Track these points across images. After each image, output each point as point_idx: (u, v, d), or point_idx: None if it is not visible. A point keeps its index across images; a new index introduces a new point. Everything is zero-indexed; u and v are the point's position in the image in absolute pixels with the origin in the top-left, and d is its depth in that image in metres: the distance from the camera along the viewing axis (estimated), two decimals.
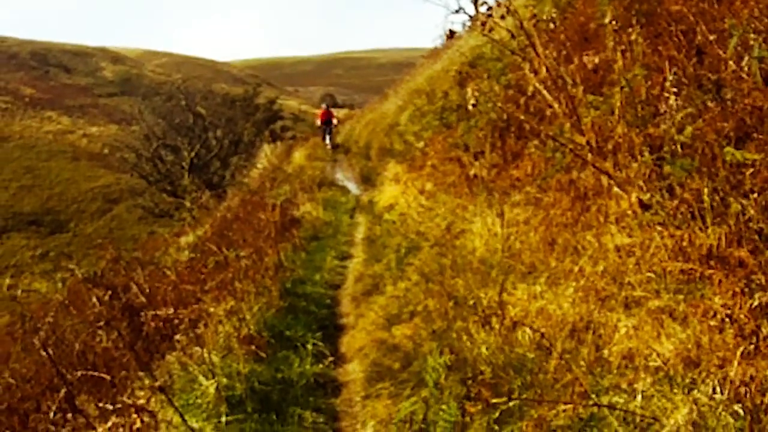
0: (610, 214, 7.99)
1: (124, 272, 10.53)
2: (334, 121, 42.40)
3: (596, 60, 9.69)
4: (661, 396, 5.43)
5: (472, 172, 12.73)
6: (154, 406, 7.36)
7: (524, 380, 6.50)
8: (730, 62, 7.23)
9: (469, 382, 6.42)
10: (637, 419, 5.33)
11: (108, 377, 7.45)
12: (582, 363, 6.21)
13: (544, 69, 9.07)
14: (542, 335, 6.37)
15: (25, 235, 53.40)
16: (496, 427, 6.05)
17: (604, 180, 8.16)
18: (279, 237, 14.53)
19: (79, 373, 6.33)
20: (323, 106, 43.46)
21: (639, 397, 5.47)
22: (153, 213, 49.25)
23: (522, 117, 11.16)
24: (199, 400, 7.83)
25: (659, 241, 6.77)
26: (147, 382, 7.87)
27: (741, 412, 4.85)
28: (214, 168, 46.91)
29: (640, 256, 7.03)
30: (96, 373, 6.92)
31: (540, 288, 7.85)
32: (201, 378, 8.09)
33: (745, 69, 7.00)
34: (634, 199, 7.38)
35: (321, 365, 9.49)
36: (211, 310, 9.94)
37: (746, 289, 5.57)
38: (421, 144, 19.00)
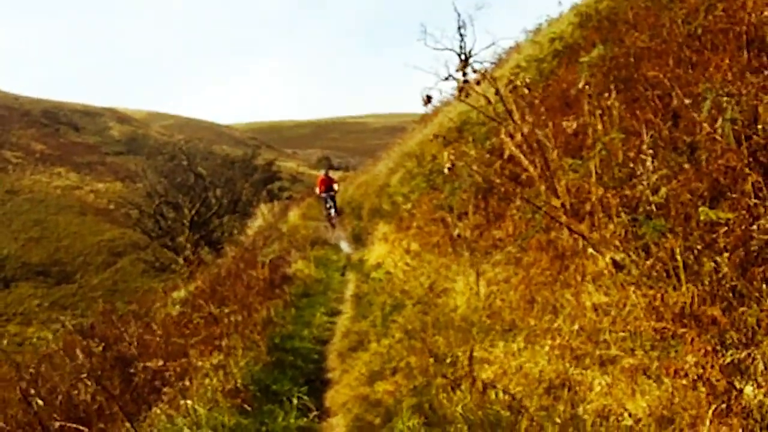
0: (588, 273, 7.90)
1: (118, 324, 10.27)
2: (335, 187, 34.19)
3: (574, 125, 9.60)
4: None
5: (455, 233, 12.60)
6: None
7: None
8: (705, 125, 7.21)
9: None
10: None
11: (86, 430, 7.28)
12: (557, 420, 6.04)
13: (519, 134, 8.96)
14: (513, 397, 6.22)
15: (33, 285, 53.11)
16: None
17: (581, 241, 8.02)
18: (270, 293, 14.35)
19: (57, 424, 6.10)
20: (321, 172, 35.89)
21: None
22: (154, 267, 49.12)
23: (498, 181, 11.09)
24: None
25: (634, 300, 6.67)
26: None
27: None
28: (213, 225, 46.85)
29: (615, 314, 6.94)
30: (74, 425, 6.74)
31: (518, 346, 7.74)
32: (186, 430, 7.88)
33: (719, 131, 6.94)
34: (608, 259, 7.26)
35: (305, 419, 9.26)
36: (199, 363, 9.73)
37: (719, 347, 5.42)
38: (408, 205, 18.97)
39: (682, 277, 6.23)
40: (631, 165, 8.04)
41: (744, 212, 6.27)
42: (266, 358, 10.95)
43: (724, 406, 5.08)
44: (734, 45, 8.56)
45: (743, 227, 6.17)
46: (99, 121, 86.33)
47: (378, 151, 52.54)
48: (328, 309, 15.58)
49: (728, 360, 5.31)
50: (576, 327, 7.16)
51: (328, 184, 33.62)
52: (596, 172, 8.19)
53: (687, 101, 7.71)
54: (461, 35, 43.59)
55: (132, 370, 9.56)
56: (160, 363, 9.49)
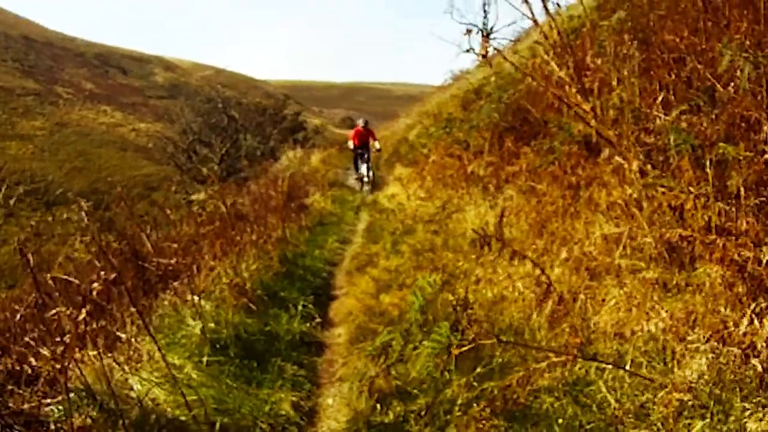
0: (601, 203, 7.09)
1: (138, 223, 9.58)
2: (376, 144, 25.14)
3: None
4: (651, 366, 4.53)
5: (470, 169, 11.83)
6: (140, 340, 6.50)
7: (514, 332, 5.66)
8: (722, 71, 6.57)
9: (459, 308, 5.35)
10: (626, 386, 4.42)
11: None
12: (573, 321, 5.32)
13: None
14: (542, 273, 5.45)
15: (73, 210, 52.75)
16: (476, 384, 5.15)
17: (605, 151, 7.28)
18: (286, 216, 13.61)
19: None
20: (359, 123, 25.68)
21: (628, 365, 4.56)
22: (184, 199, 48.64)
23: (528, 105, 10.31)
24: (184, 340, 6.98)
25: (660, 199, 5.84)
26: (135, 317, 6.91)
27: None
28: (242, 165, 46.15)
29: (626, 243, 6.13)
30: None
31: (529, 265, 6.92)
32: (188, 319, 7.22)
33: (737, 83, 6.30)
34: (634, 166, 6.41)
35: (308, 324, 8.63)
36: (211, 263, 9.01)
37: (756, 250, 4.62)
38: (425, 150, 18.26)
39: (710, 189, 5.44)
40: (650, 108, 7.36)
41: (760, 155, 5.56)
42: (277, 267, 10.38)
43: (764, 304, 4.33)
44: (751, 17, 7.87)
45: (762, 164, 5.45)
46: (146, 67, 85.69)
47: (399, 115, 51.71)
48: (340, 237, 14.95)
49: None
50: (588, 250, 6.41)
51: (365, 138, 24.38)
52: (619, 106, 7.44)
53: (700, 67, 7.20)
54: (485, 12, 43.10)
55: (145, 265, 8.86)
56: (173, 261, 8.79)
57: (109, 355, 5.90)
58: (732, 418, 3.91)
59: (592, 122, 7.11)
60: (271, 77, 70.63)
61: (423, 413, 5.49)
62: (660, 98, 7.28)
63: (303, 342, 8.27)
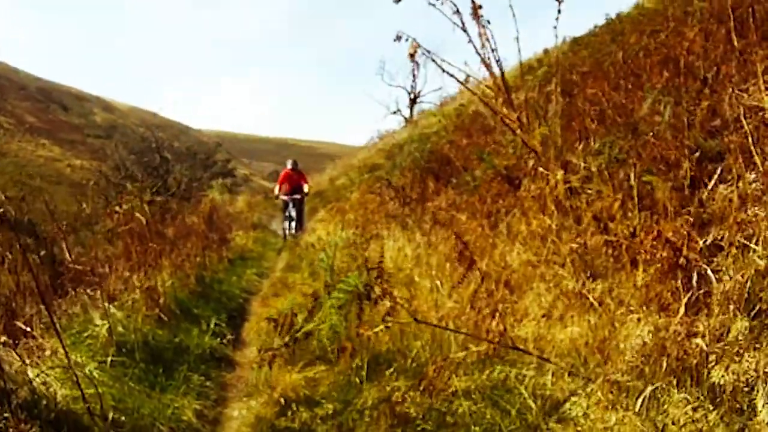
0: (521, 231, 6.83)
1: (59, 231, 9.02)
2: (305, 188, 20.65)
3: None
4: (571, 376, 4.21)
5: (390, 206, 11.53)
6: (46, 337, 5.99)
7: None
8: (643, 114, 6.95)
9: (372, 272, 4.92)
10: (546, 392, 4.08)
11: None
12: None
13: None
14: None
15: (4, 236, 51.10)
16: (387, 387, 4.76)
17: (529, 163, 7.08)
18: (207, 244, 13.11)
19: None
20: (287, 164, 21.18)
21: (549, 375, 4.23)
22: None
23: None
24: (90, 340, 6.47)
25: (569, 237, 5.61)
26: (44, 315, 6.40)
27: None
28: (170, 204, 45.38)
29: (543, 271, 5.86)
30: None
31: (445, 293, 6.57)
32: (96, 319, 6.68)
33: (659, 123, 6.56)
34: (559, 175, 6.17)
35: (220, 341, 8.18)
36: (126, 274, 8.49)
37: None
38: (348, 193, 18.08)
39: (635, 196, 5.24)
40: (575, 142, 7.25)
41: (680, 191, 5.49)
42: (193, 286, 9.96)
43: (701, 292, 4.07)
44: (670, 73, 8.09)
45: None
46: (86, 106, 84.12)
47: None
48: (259, 271, 14.53)
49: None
50: (506, 273, 6.10)
51: (294, 182, 20.43)
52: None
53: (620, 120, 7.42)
54: (414, 76, 43.48)
55: (60, 269, 8.32)
56: (88, 268, 8.25)
57: (10, 345, 5.41)
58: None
59: (518, 132, 6.89)
60: (203, 127, 69.86)
61: (330, 420, 5.08)
62: (581, 139, 7.21)
63: (213, 357, 7.82)
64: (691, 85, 7.10)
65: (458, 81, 7.05)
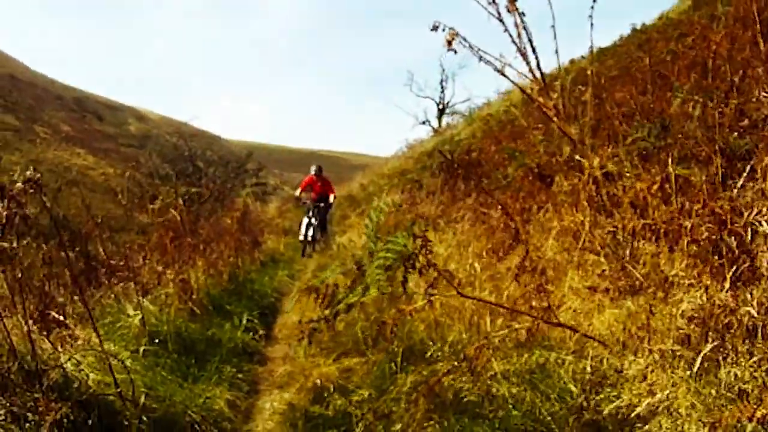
0: (553, 227, 6.68)
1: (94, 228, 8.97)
2: (331, 198, 18.67)
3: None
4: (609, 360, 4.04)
5: (421, 208, 11.37)
6: (79, 327, 5.89)
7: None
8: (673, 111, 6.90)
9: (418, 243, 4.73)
10: (586, 377, 3.92)
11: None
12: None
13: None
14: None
15: (39, 242, 51.45)
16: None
17: (566, 150, 6.95)
18: (240, 245, 13.03)
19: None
20: (312, 170, 19.13)
21: (589, 357, 4.07)
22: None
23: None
24: (123, 330, 6.39)
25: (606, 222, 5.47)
26: (78, 306, 6.33)
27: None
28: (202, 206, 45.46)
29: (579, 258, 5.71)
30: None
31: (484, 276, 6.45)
32: (129, 310, 6.59)
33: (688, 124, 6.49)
34: (595, 162, 6.03)
35: (252, 335, 8.07)
36: (159, 268, 8.40)
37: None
38: (379, 198, 17.81)
39: (673, 187, 5.10)
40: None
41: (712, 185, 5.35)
42: (226, 284, 9.89)
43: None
44: (697, 75, 8.18)
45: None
46: (120, 116, 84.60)
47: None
48: (290, 273, 14.37)
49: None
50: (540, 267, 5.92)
51: (320, 189, 18.48)
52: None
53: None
54: (442, 87, 43.29)
55: (94, 263, 8.25)
56: (121, 262, 8.18)
57: (44, 334, 5.32)
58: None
59: (555, 119, 6.75)
60: (234, 137, 70.25)
61: (366, 404, 4.95)
62: (610, 140, 7.07)
63: (245, 351, 7.74)
64: (719, 86, 7.01)
65: (495, 69, 6.87)
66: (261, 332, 8.43)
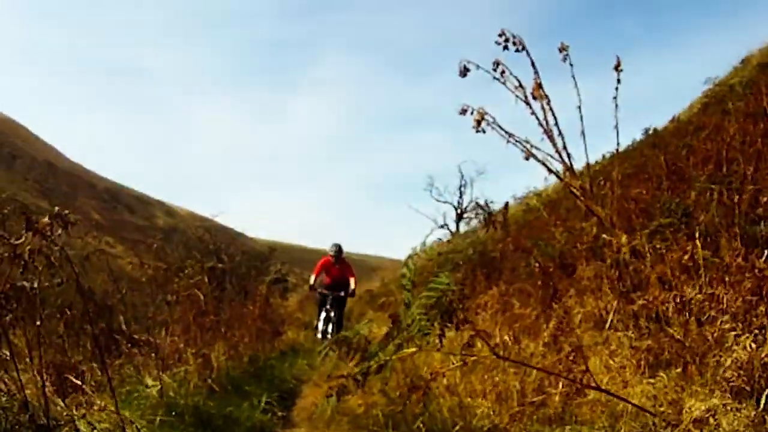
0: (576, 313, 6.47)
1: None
2: (351, 283, 15.24)
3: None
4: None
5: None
6: (96, 393, 5.66)
7: None
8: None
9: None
10: None
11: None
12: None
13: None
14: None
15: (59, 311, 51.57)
16: None
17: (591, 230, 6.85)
18: (260, 332, 12.80)
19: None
20: (329, 250, 15.73)
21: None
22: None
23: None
24: (140, 400, 6.12)
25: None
26: (97, 372, 6.11)
27: None
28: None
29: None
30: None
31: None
32: (148, 380, 6.33)
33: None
34: (624, 240, 5.85)
35: (270, 416, 7.76)
36: (181, 345, 8.16)
37: None
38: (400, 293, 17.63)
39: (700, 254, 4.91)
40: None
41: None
42: (246, 367, 9.64)
43: None
44: (711, 168, 8.06)
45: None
46: (149, 209, 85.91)
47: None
48: (310, 362, 14.00)
49: None
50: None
51: (337, 275, 15.36)
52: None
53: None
54: (461, 193, 43.45)
55: (116, 336, 8.04)
56: (144, 336, 7.95)
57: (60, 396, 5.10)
58: None
59: (582, 198, 6.64)
60: (257, 235, 71.00)
61: None
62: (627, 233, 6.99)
63: (262, 431, 7.38)
64: (734, 177, 7.00)
65: (523, 149, 6.78)
66: (280, 414, 8.16)
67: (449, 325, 4.02)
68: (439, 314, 3.99)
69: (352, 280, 15.25)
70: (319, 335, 15.36)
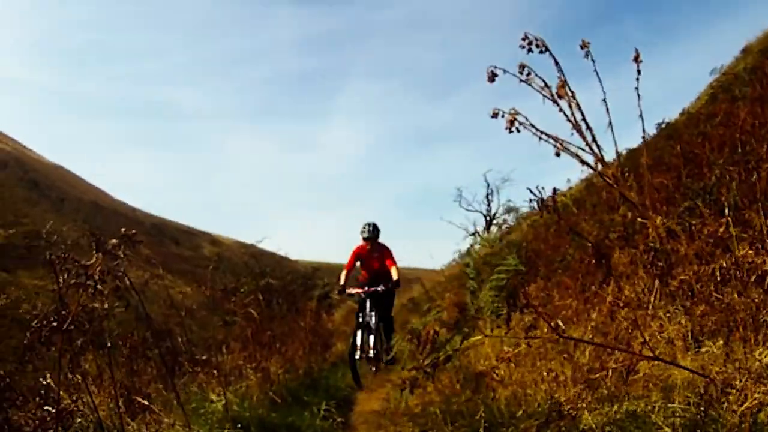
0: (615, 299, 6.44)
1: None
2: (393, 272, 11.30)
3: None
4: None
5: (473, 310, 10.99)
6: (164, 412, 5.72)
7: None
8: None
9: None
10: (677, 421, 3.60)
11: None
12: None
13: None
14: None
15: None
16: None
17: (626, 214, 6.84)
18: (311, 346, 12.85)
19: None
20: (363, 232, 11.52)
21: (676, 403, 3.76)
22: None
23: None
24: (207, 416, 6.16)
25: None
26: (162, 392, 6.18)
27: None
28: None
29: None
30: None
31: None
32: (212, 396, 6.40)
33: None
34: (659, 221, 5.82)
35: (330, 422, 7.81)
36: (239, 362, 8.24)
37: None
38: (439, 301, 17.63)
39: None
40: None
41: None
42: (303, 379, 9.71)
43: None
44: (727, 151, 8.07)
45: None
46: (195, 240, 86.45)
47: (413, 295, 51.11)
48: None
49: None
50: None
51: (372, 264, 11.97)
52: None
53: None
54: (488, 201, 43.36)
55: (179, 357, 8.14)
56: (205, 356, 8.04)
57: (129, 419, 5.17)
58: None
59: (615, 186, 6.62)
60: (300, 257, 71.36)
61: None
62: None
63: None
64: (749, 158, 6.97)
65: (555, 145, 6.74)
66: (339, 420, 8.14)
67: (514, 308, 4.04)
68: (506, 297, 4.03)
69: (393, 270, 11.55)
70: (357, 354, 11.20)
